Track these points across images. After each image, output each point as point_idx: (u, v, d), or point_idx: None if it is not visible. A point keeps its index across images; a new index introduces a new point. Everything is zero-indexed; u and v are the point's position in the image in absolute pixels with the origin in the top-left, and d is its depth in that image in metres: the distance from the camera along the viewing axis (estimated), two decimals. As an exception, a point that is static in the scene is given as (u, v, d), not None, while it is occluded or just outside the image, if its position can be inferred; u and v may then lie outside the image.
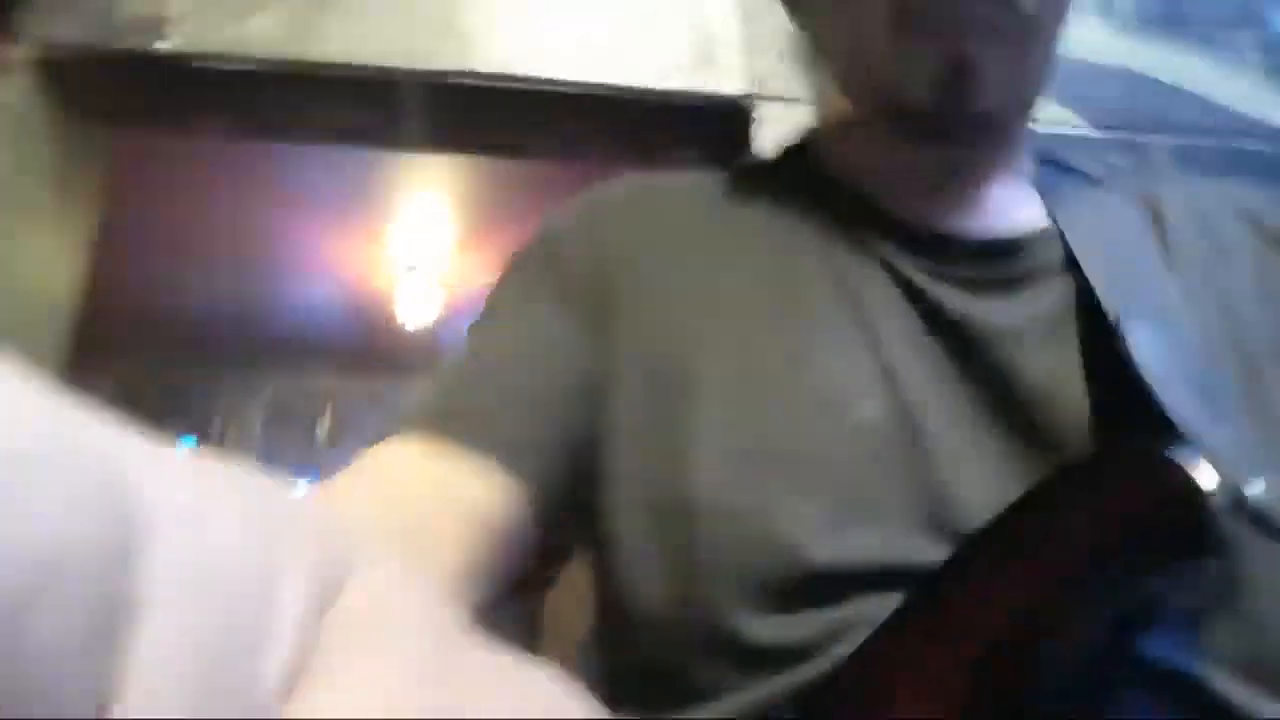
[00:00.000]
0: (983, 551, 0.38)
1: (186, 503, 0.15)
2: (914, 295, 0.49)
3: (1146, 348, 0.44)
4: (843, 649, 0.39)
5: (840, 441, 0.45)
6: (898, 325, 0.49)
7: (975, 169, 0.54)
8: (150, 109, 1.32)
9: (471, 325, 0.54)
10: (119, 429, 0.15)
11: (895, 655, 0.37)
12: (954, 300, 0.49)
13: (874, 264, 0.51)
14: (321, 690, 0.15)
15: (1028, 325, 0.49)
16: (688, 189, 0.59)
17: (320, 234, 3.22)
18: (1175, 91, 1.31)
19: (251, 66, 1.21)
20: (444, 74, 1.22)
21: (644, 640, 0.46)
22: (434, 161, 2.74)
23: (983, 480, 0.44)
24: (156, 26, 1.19)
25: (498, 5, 1.26)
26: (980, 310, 0.49)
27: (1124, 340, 0.45)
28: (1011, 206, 0.54)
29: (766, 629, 0.42)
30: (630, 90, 1.23)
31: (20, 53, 1.16)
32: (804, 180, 0.57)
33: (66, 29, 1.19)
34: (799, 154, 0.60)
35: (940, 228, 0.52)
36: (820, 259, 0.51)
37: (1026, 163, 0.57)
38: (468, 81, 1.22)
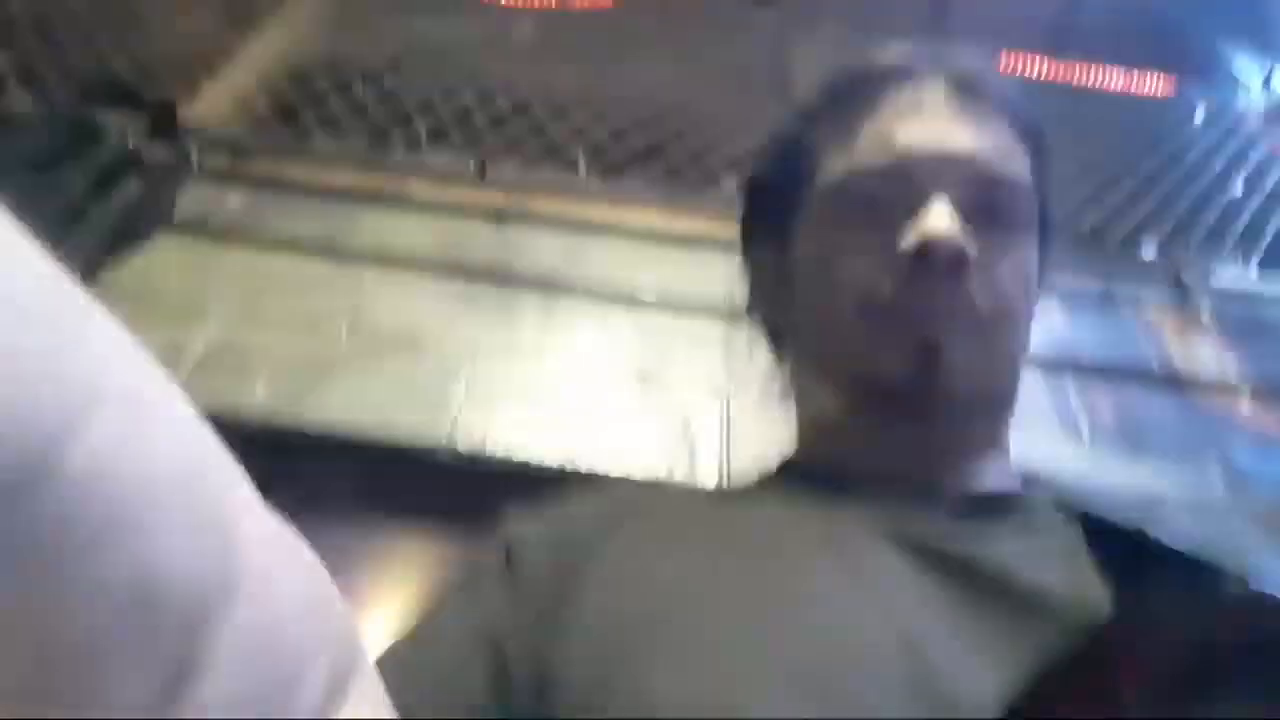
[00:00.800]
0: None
1: (264, 565, 0.18)
2: (919, 553, 0.48)
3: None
4: None
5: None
6: (904, 577, 0.47)
7: (955, 448, 0.54)
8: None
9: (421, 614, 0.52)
10: (227, 461, 0.18)
11: None
12: (958, 543, 0.48)
13: (870, 532, 0.50)
14: None
15: (1036, 552, 0.48)
16: (671, 494, 0.62)
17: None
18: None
19: (242, 430, 1.22)
20: (431, 450, 1.23)
21: None
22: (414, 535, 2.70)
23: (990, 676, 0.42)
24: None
25: (493, 387, 1.31)
26: (985, 547, 0.48)
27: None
28: (996, 478, 0.55)
29: None
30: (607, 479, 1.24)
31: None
32: (787, 486, 0.57)
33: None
34: (782, 469, 0.61)
35: (927, 495, 0.52)
36: (812, 533, 0.50)
37: (1010, 477, 0.57)
38: (452, 460, 1.23)
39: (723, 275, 1.58)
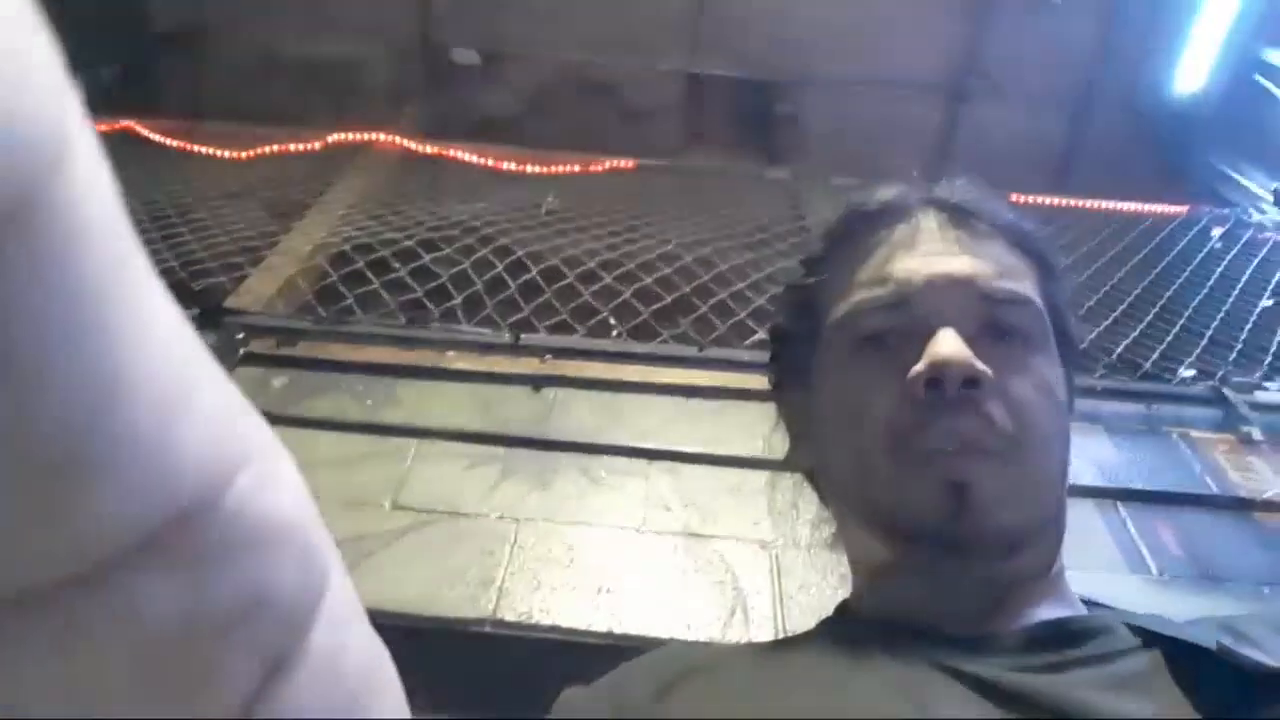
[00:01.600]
0: None
1: (337, 620, 0.24)
2: (983, 689, 0.46)
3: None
4: None
5: None
6: (969, 714, 0.45)
7: (1005, 580, 0.53)
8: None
9: None
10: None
11: None
12: (1026, 684, 0.46)
13: (932, 671, 0.48)
14: None
15: (1111, 679, 0.46)
16: (724, 651, 0.58)
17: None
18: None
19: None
20: (477, 622, 1.21)
21: None
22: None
23: None
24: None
25: (537, 555, 1.30)
26: (1052, 678, 0.46)
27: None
28: (1055, 605, 0.53)
29: None
30: (659, 641, 1.21)
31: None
32: (845, 630, 0.56)
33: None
34: (837, 615, 0.60)
35: (985, 630, 0.51)
36: (875, 675, 0.48)
37: (1064, 599, 0.56)
38: (495, 631, 1.21)
39: (759, 426, 1.58)
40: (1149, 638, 0.50)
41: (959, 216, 0.59)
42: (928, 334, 0.52)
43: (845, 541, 0.61)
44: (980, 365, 0.50)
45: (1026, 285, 0.57)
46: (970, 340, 0.52)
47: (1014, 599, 0.53)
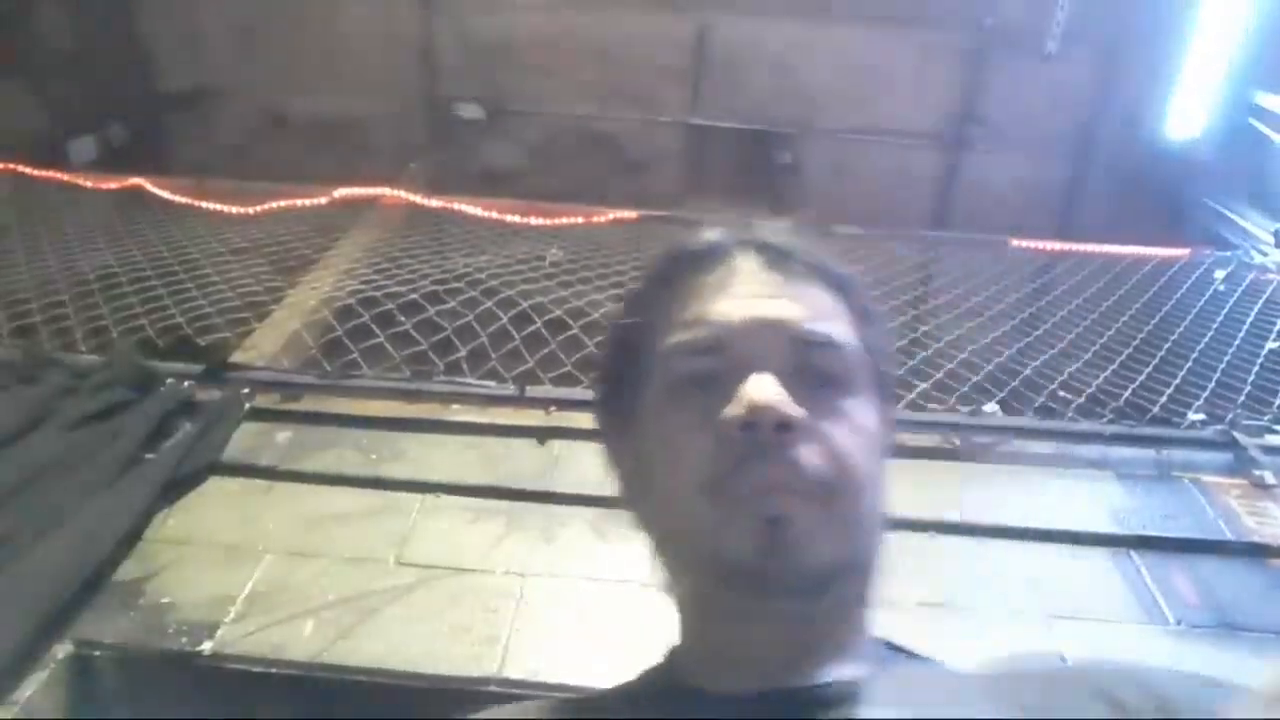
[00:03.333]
0: None
1: None
2: None
3: None
4: None
5: None
6: None
7: (813, 622, 0.53)
8: (185, 706, 1.29)
9: None
10: None
11: None
12: None
13: None
14: None
15: None
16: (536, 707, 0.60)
17: None
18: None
19: (289, 671, 1.20)
20: (477, 680, 1.19)
21: None
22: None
23: None
24: (206, 630, 1.22)
25: (543, 610, 1.28)
26: None
27: None
28: (837, 665, 0.54)
29: None
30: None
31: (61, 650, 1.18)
32: (669, 674, 0.59)
33: (116, 628, 1.22)
34: (668, 658, 0.61)
35: (785, 679, 0.53)
36: None
37: (870, 642, 0.57)
38: (501, 689, 1.19)
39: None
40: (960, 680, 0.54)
41: (777, 259, 0.59)
42: (743, 378, 0.52)
43: (670, 583, 0.61)
44: (793, 410, 0.51)
45: (842, 328, 0.57)
46: (785, 384, 0.52)
47: (821, 642, 0.54)
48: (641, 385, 0.59)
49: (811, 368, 0.54)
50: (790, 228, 0.63)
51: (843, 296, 0.60)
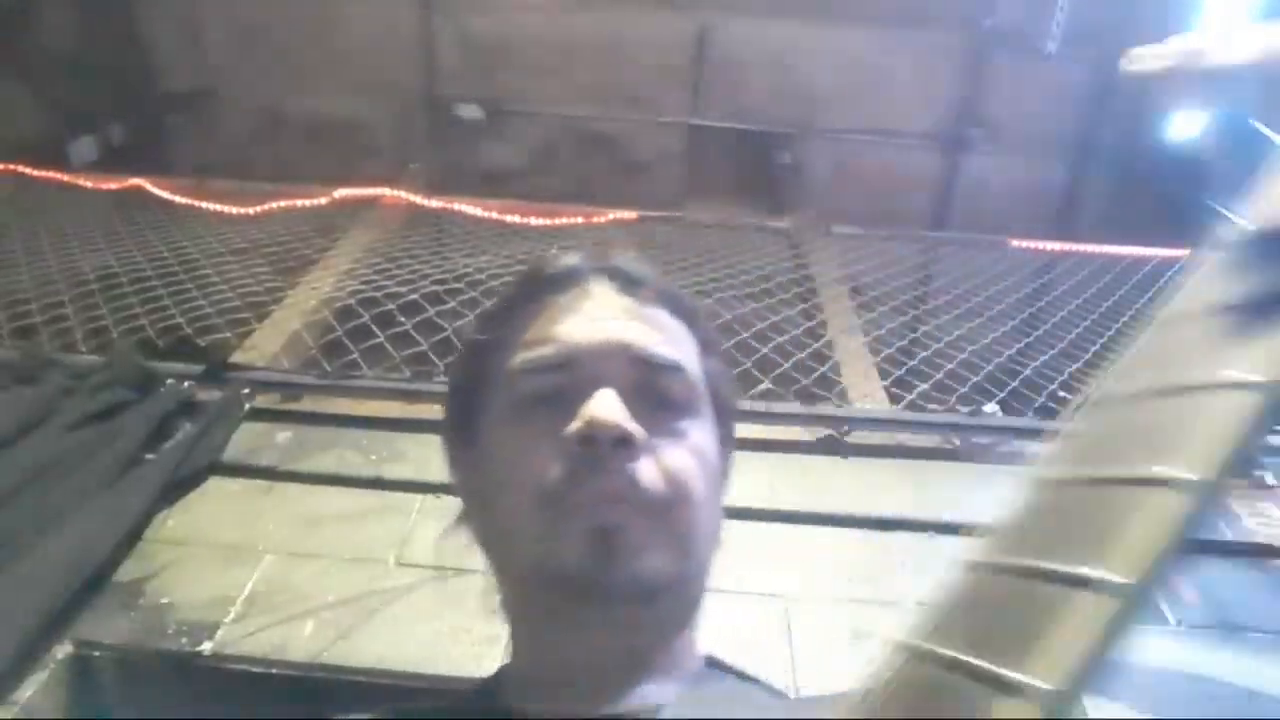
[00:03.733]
0: None
1: None
2: None
3: None
4: None
5: None
6: None
7: (639, 635, 0.54)
8: (185, 706, 1.29)
9: None
10: None
11: None
12: None
13: None
14: None
15: None
16: None
17: None
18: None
19: (288, 671, 1.20)
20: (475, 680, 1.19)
21: None
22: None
23: None
24: (206, 631, 1.22)
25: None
26: None
27: None
28: (659, 682, 0.55)
29: None
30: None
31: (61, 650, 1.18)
32: (470, 710, 0.60)
33: (116, 628, 1.22)
34: (498, 674, 0.62)
35: (590, 706, 0.53)
36: None
37: (692, 658, 0.59)
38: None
39: (766, 477, 1.57)
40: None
41: (627, 285, 0.61)
42: (587, 395, 0.54)
43: (503, 600, 0.61)
44: (633, 426, 0.52)
45: (686, 353, 0.60)
46: (628, 402, 0.54)
47: (646, 657, 0.55)
48: (488, 403, 0.60)
49: (655, 389, 0.56)
50: (640, 260, 0.65)
51: (689, 324, 0.63)
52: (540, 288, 0.62)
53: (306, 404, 1.73)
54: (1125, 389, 0.34)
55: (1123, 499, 0.30)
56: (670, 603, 0.55)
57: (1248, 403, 0.29)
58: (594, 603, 0.52)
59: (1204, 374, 0.31)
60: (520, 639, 0.60)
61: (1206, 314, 0.35)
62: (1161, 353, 0.35)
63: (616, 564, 0.51)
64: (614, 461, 0.52)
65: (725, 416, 0.63)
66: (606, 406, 0.53)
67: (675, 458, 0.55)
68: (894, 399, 1.86)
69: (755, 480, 1.53)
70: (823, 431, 1.69)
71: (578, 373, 0.56)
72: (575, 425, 0.52)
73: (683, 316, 0.62)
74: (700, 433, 0.58)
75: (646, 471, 0.53)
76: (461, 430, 0.64)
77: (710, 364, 0.62)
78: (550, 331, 0.58)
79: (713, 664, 0.61)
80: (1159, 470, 0.29)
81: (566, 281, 0.62)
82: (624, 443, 0.52)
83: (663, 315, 0.61)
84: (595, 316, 0.59)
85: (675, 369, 0.58)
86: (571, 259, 0.64)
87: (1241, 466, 0.29)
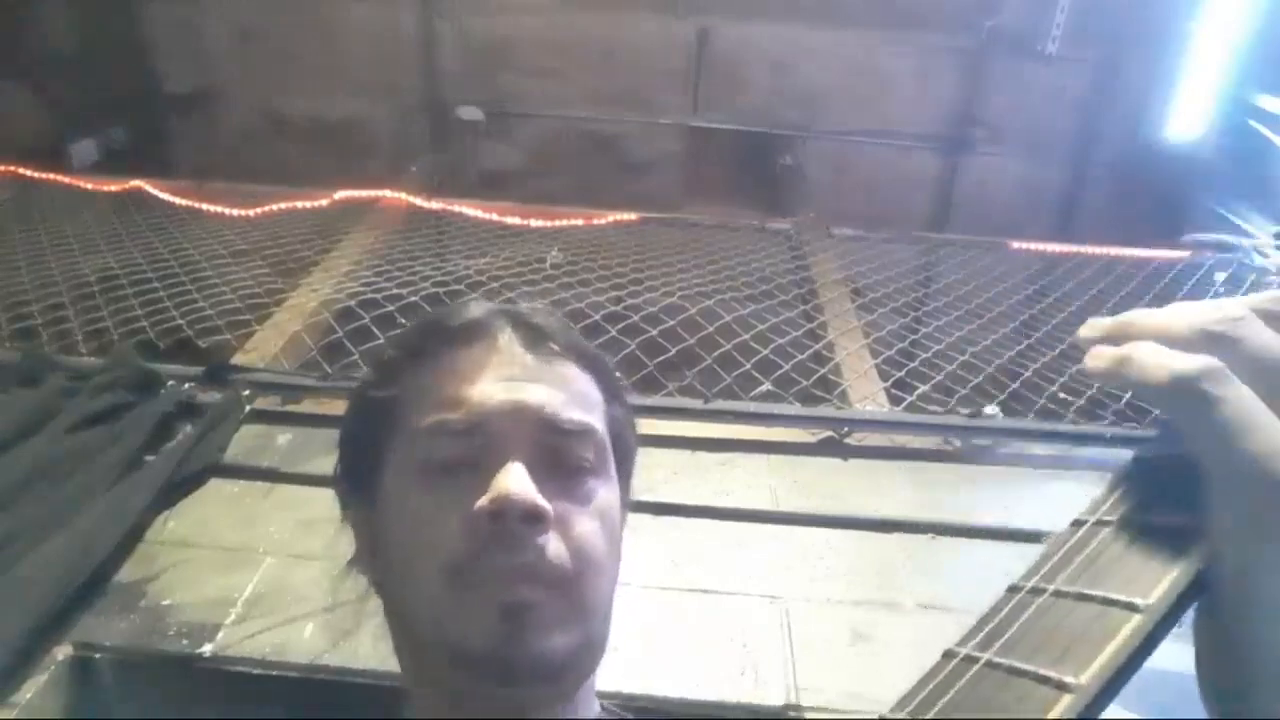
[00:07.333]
0: None
1: None
2: None
3: None
4: None
5: None
6: None
7: (547, 706, 0.54)
8: (185, 708, 1.29)
9: None
10: None
11: None
12: None
13: None
14: None
15: None
16: None
17: None
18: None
19: (289, 673, 1.20)
20: None
21: None
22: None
23: None
24: (206, 632, 1.22)
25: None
26: None
27: None
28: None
29: None
30: (670, 701, 1.18)
31: (61, 652, 1.18)
32: None
33: (116, 630, 1.21)
34: None
35: None
36: None
37: (588, 709, 0.60)
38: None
39: (766, 478, 1.56)
40: None
41: (534, 338, 0.61)
42: (496, 466, 0.53)
43: (402, 664, 0.61)
44: (542, 502, 0.52)
45: (593, 412, 0.60)
46: (535, 471, 0.53)
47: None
48: (389, 456, 0.59)
49: (561, 453, 0.56)
50: (546, 309, 0.65)
51: (594, 374, 0.63)
52: (446, 340, 0.61)
53: (307, 406, 1.72)
54: (1042, 584, 0.42)
55: (1018, 689, 0.36)
56: (574, 674, 0.55)
57: (1134, 622, 0.36)
58: (502, 682, 0.51)
59: (1103, 588, 0.38)
60: (421, 700, 0.60)
61: (1120, 525, 0.42)
62: (1080, 554, 0.42)
63: (525, 642, 0.50)
64: (523, 537, 0.52)
65: (625, 467, 0.64)
66: (518, 481, 0.52)
67: (581, 526, 0.55)
68: (894, 400, 1.86)
69: (755, 482, 1.53)
70: (823, 433, 1.69)
71: (487, 439, 0.55)
72: (485, 500, 0.52)
73: (589, 367, 0.62)
74: (606, 492, 0.58)
75: (554, 546, 0.53)
76: (356, 480, 0.64)
77: (614, 411, 0.63)
78: (460, 393, 0.57)
79: (608, 712, 0.63)
80: (1051, 674, 0.35)
81: (473, 334, 0.61)
82: (534, 518, 0.52)
83: (570, 369, 0.61)
84: (504, 376, 0.58)
85: (584, 432, 0.58)
86: (477, 310, 0.63)
87: (1123, 680, 0.35)
